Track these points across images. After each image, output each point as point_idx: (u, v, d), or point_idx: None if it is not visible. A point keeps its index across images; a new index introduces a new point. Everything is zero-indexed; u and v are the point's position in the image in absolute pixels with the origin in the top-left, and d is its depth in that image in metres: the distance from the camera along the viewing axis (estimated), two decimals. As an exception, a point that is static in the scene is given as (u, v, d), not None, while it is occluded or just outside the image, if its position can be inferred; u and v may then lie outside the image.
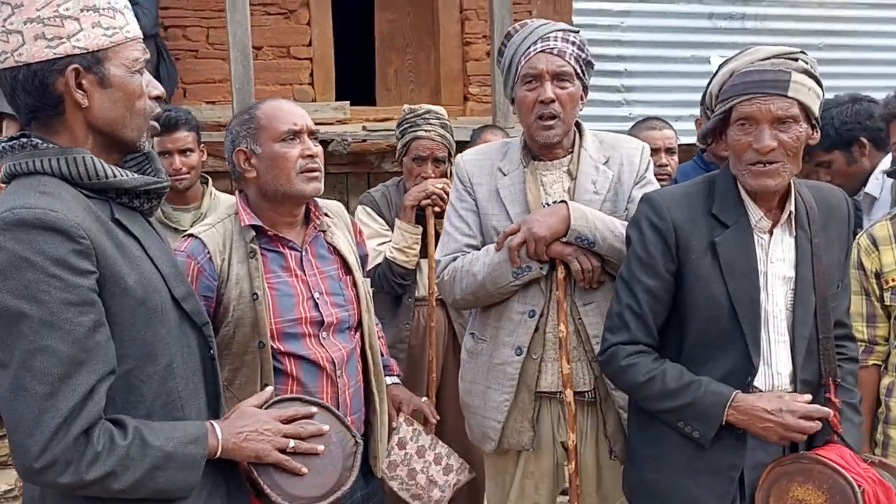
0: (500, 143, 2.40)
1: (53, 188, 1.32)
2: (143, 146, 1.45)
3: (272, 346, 1.97)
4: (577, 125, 2.25)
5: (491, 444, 2.24)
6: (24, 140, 1.36)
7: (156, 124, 1.48)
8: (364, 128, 4.98)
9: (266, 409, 1.56)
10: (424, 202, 2.91)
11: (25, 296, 1.24)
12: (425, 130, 2.98)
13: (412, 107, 3.11)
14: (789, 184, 1.85)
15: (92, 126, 1.38)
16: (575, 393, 2.14)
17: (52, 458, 1.24)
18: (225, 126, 4.74)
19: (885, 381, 2.28)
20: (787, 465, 1.80)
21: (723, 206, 1.87)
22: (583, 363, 2.17)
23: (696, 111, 3.52)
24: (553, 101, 2.11)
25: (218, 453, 1.41)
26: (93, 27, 1.34)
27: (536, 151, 2.23)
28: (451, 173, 3.03)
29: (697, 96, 3.54)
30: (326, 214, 2.15)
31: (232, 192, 3.53)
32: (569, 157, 2.23)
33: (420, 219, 2.95)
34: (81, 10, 1.33)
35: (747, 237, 1.86)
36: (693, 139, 3.72)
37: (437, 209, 2.91)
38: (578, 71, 2.16)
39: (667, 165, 3.09)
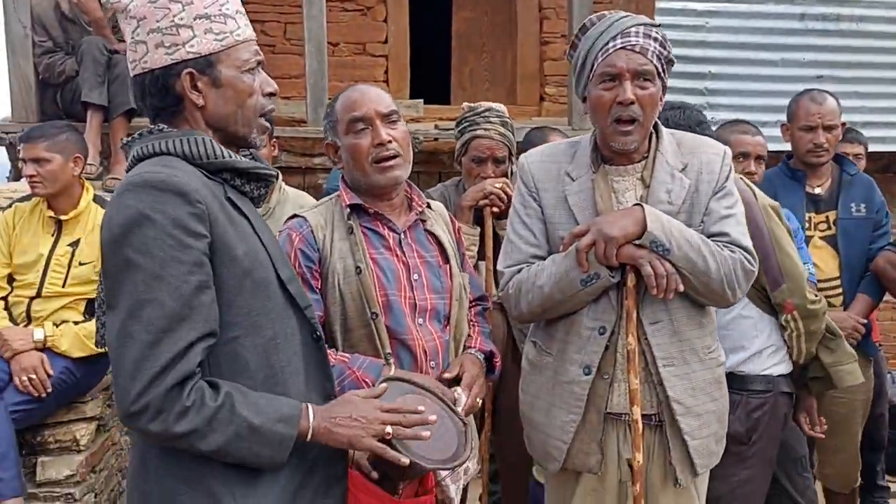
0: (567, 144, 2.23)
1: (176, 163, 1.43)
2: (254, 141, 1.56)
3: None
4: (655, 126, 2.10)
5: (555, 464, 2.13)
6: (152, 126, 1.50)
7: (265, 123, 1.57)
8: (437, 126, 4.93)
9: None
10: (482, 202, 2.81)
11: (143, 250, 1.33)
12: (485, 129, 2.87)
13: (472, 105, 2.99)
14: None
15: (209, 122, 1.51)
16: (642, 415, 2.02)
17: (146, 404, 1.31)
18: (299, 122, 4.82)
19: None
20: None
21: None
22: (648, 385, 2.04)
23: (782, 117, 3.35)
24: (633, 102, 1.97)
25: (309, 436, 1.43)
26: (205, 33, 1.47)
27: (608, 155, 2.09)
28: (511, 173, 2.94)
29: (784, 101, 3.41)
30: (429, 205, 2.14)
31: (304, 188, 3.54)
32: (643, 162, 2.09)
33: (478, 220, 2.85)
34: (195, 19, 1.46)
35: None
36: (780, 146, 3.56)
37: (495, 210, 2.81)
38: (660, 70, 2.01)
39: (755, 174, 2.93)
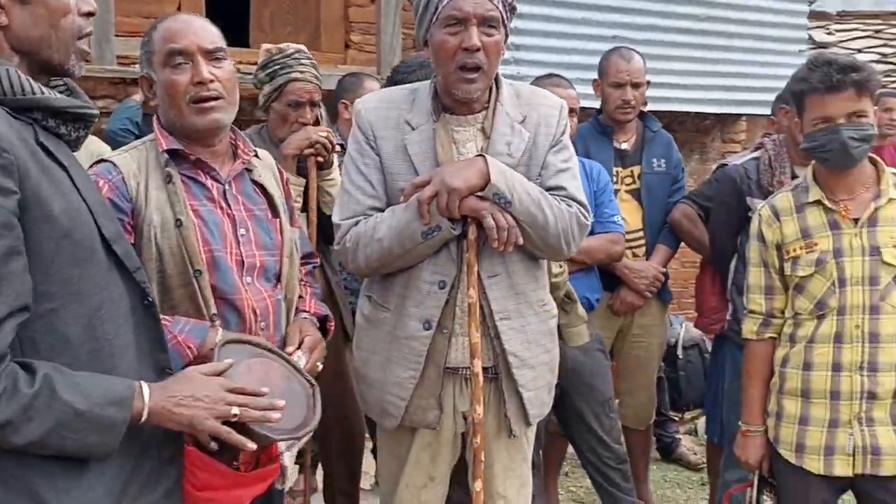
0: (407, 91, 2.13)
1: None
2: (72, 69, 1.34)
3: None
4: (495, 77, 2.05)
5: (392, 420, 2.08)
6: None
7: (85, 48, 1.34)
8: (239, 70, 4.61)
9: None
10: (308, 151, 2.67)
11: None
12: (300, 72, 2.70)
13: (279, 46, 2.79)
14: None
15: (14, 46, 1.27)
16: (480, 367, 2.01)
17: None
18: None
19: (780, 352, 2.30)
20: None
21: None
22: (486, 339, 2.03)
23: (584, 74, 3.45)
24: (479, 49, 1.90)
25: (144, 418, 1.29)
26: None
27: (449, 104, 2.03)
28: (322, 118, 2.82)
29: (592, 60, 3.51)
30: (256, 154, 1.95)
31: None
32: (483, 112, 2.04)
33: (300, 170, 2.70)
34: None
35: None
36: (588, 102, 3.68)
37: (320, 159, 2.69)
38: (505, 16, 1.97)
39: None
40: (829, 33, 7.96)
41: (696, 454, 4.25)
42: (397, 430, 2.13)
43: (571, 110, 3.05)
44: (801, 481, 2.23)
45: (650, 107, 5.15)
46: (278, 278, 1.92)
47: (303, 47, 2.82)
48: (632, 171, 3.35)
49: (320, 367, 1.96)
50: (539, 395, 2.14)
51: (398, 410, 2.06)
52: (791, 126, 2.68)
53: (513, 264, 2.04)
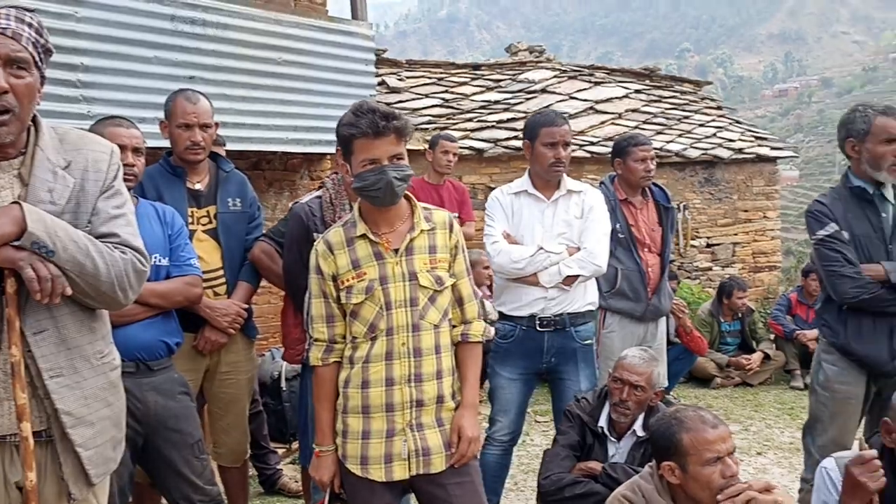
0: None
1: None
2: None
3: None
4: (34, 120, 1.94)
5: None
6: None
7: None
8: None
9: None
10: None
11: None
12: None
13: None
14: None
15: None
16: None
17: None
18: None
19: (343, 374, 2.50)
20: None
21: None
22: (35, 400, 1.90)
23: (160, 113, 3.42)
24: (6, 91, 1.80)
25: None
26: None
27: None
28: None
29: (161, 98, 3.48)
30: None
31: None
32: (21, 158, 1.92)
33: None
34: None
35: None
36: (157, 142, 3.63)
37: None
38: (36, 58, 1.88)
39: (134, 165, 2.94)
40: (400, 79, 8.84)
41: (297, 482, 4.38)
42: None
43: (137, 150, 3.02)
44: (367, 490, 2.45)
45: (236, 146, 5.27)
46: None
47: None
48: (207, 212, 3.38)
49: None
50: (102, 451, 2.05)
51: None
52: (342, 167, 2.93)
53: (62, 317, 1.94)
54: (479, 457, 2.66)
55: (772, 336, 7.32)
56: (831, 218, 3.23)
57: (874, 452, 2.32)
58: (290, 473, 4.55)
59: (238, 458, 3.60)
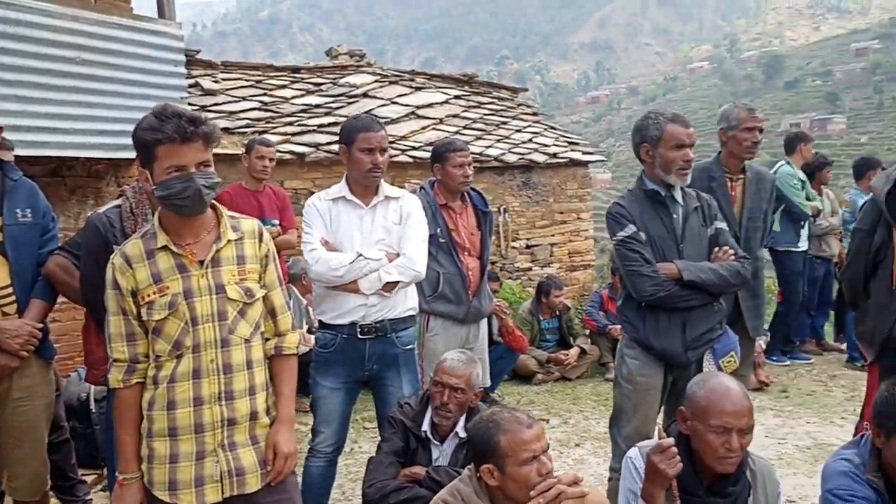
0: None
1: None
2: None
3: None
4: None
5: None
6: None
7: None
8: None
9: None
10: None
11: None
12: None
13: None
14: None
15: None
16: None
17: None
18: None
19: (146, 396, 2.35)
20: None
21: None
22: None
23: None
24: None
25: None
26: None
27: None
28: None
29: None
30: None
31: None
32: None
33: None
34: None
35: None
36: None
37: None
38: None
39: None
40: (215, 81, 8.51)
41: (108, 511, 4.10)
42: None
43: None
44: (177, 517, 2.31)
45: (31, 151, 4.85)
46: None
47: None
48: (-6, 224, 3.08)
49: None
50: None
51: None
52: (141, 175, 2.76)
53: None
54: (300, 470, 2.59)
55: (587, 331, 7.68)
56: (630, 219, 3.42)
57: (672, 441, 2.47)
58: (100, 502, 4.24)
59: (36, 491, 3.30)
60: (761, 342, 6.41)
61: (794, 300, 7.07)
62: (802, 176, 7.12)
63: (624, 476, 2.65)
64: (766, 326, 6.71)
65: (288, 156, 7.36)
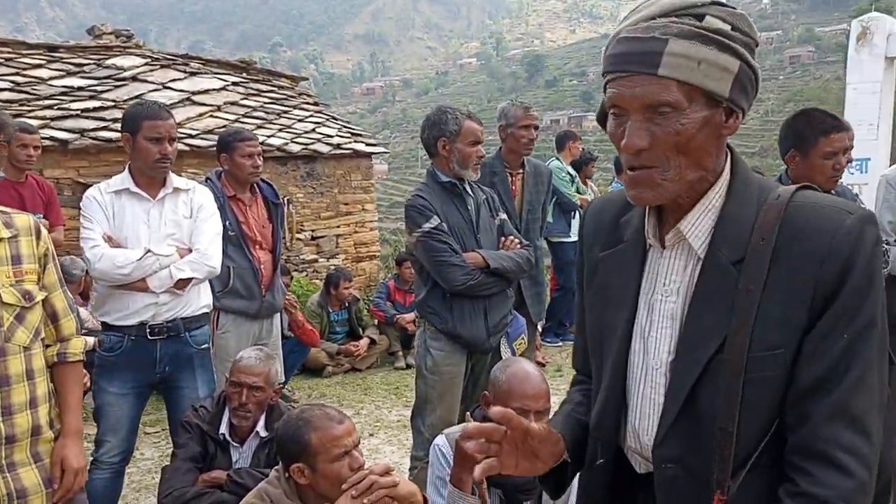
0: None
1: None
2: None
3: None
4: None
5: None
6: None
7: None
8: None
9: None
10: None
11: None
12: None
13: None
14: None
15: None
16: None
17: None
18: None
19: None
20: None
21: (630, 214, 1.41)
22: None
23: None
24: None
25: None
26: None
27: None
28: None
29: None
30: None
31: None
32: None
33: None
34: None
35: (633, 258, 1.38)
36: None
37: None
38: None
39: None
40: (-43, 57, 7.57)
41: None
42: None
43: None
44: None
45: None
46: None
47: None
48: None
49: None
50: None
51: None
52: None
53: None
54: (84, 485, 2.38)
55: (375, 322, 7.75)
56: (433, 211, 3.49)
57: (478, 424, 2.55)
58: None
59: None
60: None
61: (568, 287, 7.58)
62: (571, 171, 7.67)
63: (432, 464, 2.70)
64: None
65: (48, 142, 6.70)
